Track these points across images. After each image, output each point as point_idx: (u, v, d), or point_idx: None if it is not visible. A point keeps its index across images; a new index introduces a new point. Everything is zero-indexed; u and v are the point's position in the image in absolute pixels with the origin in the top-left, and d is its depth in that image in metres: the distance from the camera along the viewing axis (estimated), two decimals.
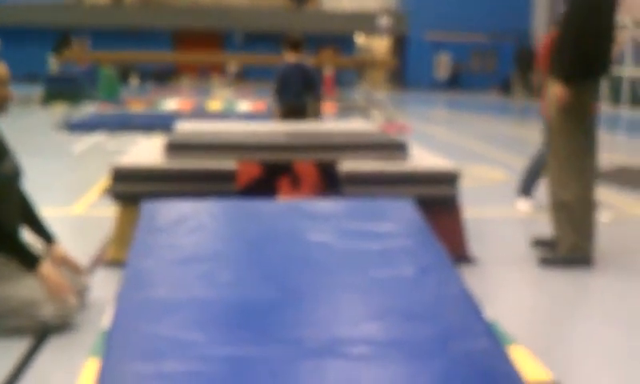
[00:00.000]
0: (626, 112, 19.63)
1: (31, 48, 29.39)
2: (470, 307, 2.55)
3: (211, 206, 3.41)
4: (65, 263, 3.31)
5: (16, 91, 13.49)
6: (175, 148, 4.17)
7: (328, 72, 21.29)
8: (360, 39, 33.20)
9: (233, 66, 29.31)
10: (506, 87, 29.47)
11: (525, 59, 28.66)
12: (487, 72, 32.26)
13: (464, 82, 31.82)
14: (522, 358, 2.88)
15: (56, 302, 3.02)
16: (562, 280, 4.06)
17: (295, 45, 6.50)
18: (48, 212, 5.19)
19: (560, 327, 3.36)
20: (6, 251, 2.99)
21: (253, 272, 2.74)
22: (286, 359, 2.20)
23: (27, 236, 3.28)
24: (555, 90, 4.20)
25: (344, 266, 2.81)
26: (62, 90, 16.48)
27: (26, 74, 28.17)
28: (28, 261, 3.01)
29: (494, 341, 2.36)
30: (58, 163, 8.41)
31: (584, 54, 4.10)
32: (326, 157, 4.33)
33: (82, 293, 3.35)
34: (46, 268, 3.03)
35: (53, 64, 19.09)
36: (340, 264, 2.83)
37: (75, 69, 17.52)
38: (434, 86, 31.66)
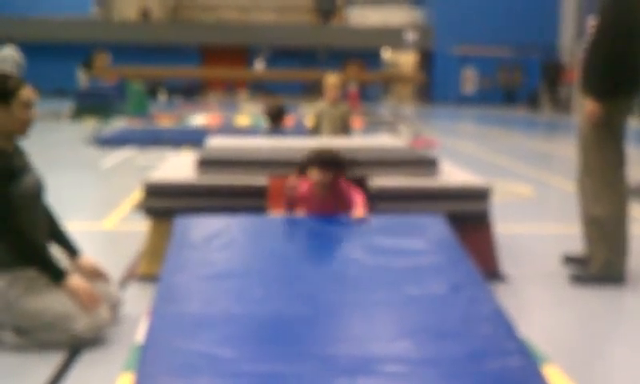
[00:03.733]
0: None
1: (59, 63, 29.84)
2: (502, 325, 2.54)
3: (243, 221, 3.45)
4: (94, 273, 3.34)
5: (46, 106, 13.64)
6: (207, 164, 4.21)
7: (353, 87, 21.34)
8: (386, 54, 33.25)
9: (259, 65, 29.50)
10: (533, 101, 29.34)
11: (552, 73, 28.64)
12: (514, 86, 32.12)
13: (493, 96, 31.64)
14: (555, 377, 2.85)
15: (89, 314, 3.05)
16: (595, 298, 4.02)
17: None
18: (79, 226, 5.27)
19: (593, 346, 3.33)
20: (33, 266, 3.04)
21: (285, 288, 2.75)
22: (318, 376, 2.21)
23: (54, 250, 3.31)
24: (587, 107, 4.17)
25: (375, 282, 2.81)
26: (92, 105, 16.69)
27: (54, 89, 28.62)
28: (55, 275, 3.05)
29: (527, 359, 2.35)
30: (89, 178, 8.52)
31: (616, 71, 4.08)
32: (356, 172, 4.34)
33: (114, 307, 3.38)
34: (75, 281, 3.06)
35: (82, 79, 19.34)
36: (372, 281, 2.83)
37: (104, 84, 17.73)
38: (461, 100, 31.57)
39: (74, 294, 3.04)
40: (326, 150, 3.67)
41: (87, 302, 3.05)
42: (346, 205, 3.65)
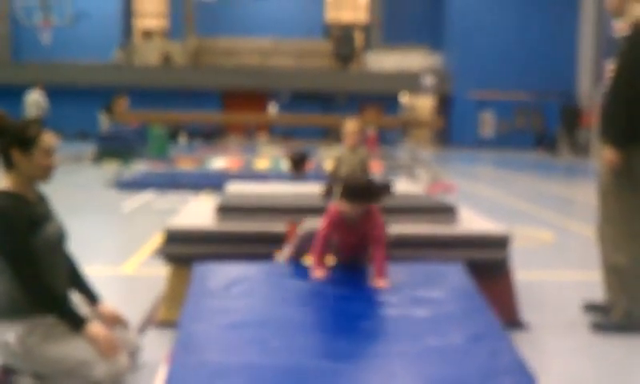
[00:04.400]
0: None
1: (82, 107, 30.30)
2: (523, 377, 2.51)
3: (262, 269, 3.45)
4: (114, 320, 3.35)
5: (68, 149, 13.73)
6: (226, 210, 4.24)
7: (371, 131, 21.46)
8: (404, 98, 33.42)
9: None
10: (551, 146, 29.28)
11: (570, 117, 28.62)
12: (532, 130, 32.09)
13: (508, 140, 31.62)
14: None
15: (108, 361, 3.05)
16: (616, 347, 3.96)
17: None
18: (99, 270, 5.31)
19: None
20: (54, 314, 3.04)
21: (304, 338, 2.74)
22: None
23: (74, 297, 3.33)
24: (606, 154, 4.17)
25: (395, 333, 2.80)
26: (114, 148, 16.92)
27: (77, 132, 29.02)
28: (75, 323, 3.05)
29: None
30: (109, 221, 8.58)
31: (634, 116, 4.07)
32: None
33: (133, 353, 3.38)
34: (95, 328, 3.07)
35: (104, 123, 19.64)
36: (391, 331, 2.82)
37: (126, 128, 17.98)
38: (479, 144, 31.58)
39: (93, 342, 3.04)
40: (356, 182, 3.36)
41: (107, 350, 3.05)
42: (374, 233, 3.43)
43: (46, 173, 3.13)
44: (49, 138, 3.11)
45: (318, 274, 3.34)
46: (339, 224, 3.39)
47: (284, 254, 3.76)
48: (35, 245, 3.03)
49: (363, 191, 3.31)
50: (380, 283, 3.30)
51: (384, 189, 3.36)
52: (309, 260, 3.55)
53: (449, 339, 2.73)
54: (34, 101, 16.99)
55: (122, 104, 19.12)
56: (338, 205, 3.35)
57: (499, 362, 2.60)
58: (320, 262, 3.39)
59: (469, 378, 2.46)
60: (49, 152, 3.10)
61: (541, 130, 31.59)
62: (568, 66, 31.00)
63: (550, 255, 6.77)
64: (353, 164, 6.78)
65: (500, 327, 2.89)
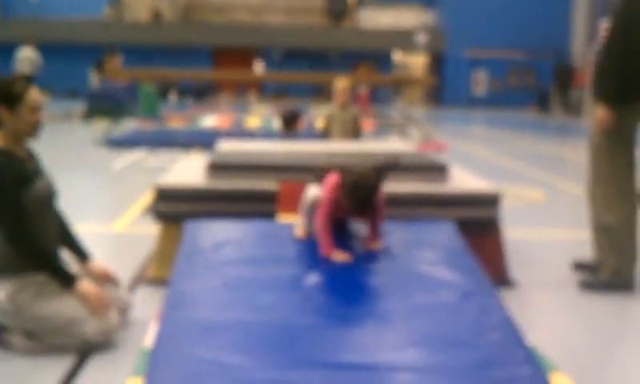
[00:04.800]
0: None
1: (71, 64, 29.97)
2: (511, 333, 2.53)
3: (253, 227, 3.45)
4: (104, 277, 3.36)
5: (58, 107, 13.66)
6: (217, 168, 4.22)
7: (363, 89, 21.36)
8: (397, 56, 33.21)
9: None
10: (543, 104, 29.26)
11: (563, 77, 28.56)
12: (525, 89, 32.02)
13: (501, 99, 31.57)
14: None
15: (98, 318, 3.07)
16: (604, 305, 4.00)
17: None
18: (89, 228, 5.30)
19: (602, 354, 3.31)
20: (44, 271, 3.05)
21: (295, 295, 2.75)
22: (326, 383, 2.21)
23: (64, 255, 3.33)
24: (598, 113, 4.16)
25: (385, 291, 2.81)
26: (104, 106, 16.78)
27: (66, 90, 28.76)
28: (65, 280, 3.07)
29: (535, 368, 2.34)
30: (99, 179, 8.55)
31: (627, 77, 4.06)
32: None
33: (123, 310, 3.39)
34: (85, 285, 3.08)
35: (94, 80, 19.46)
36: (381, 289, 2.83)
37: (116, 85, 17.80)
38: (471, 103, 31.52)
39: (83, 299, 3.05)
40: (363, 191, 3.03)
41: (97, 307, 3.06)
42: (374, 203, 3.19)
43: (33, 129, 3.13)
44: (35, 95, 3.10)
45: (339, 257, 3.10)
46: (337, 206, 3.18)
47: (300, 228, 3.46)
48: (25, 201, 3.03)
49: (370, 197, 3.08)
50: (373, 245, 3.28)
51: (391, 167, 3.17)
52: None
53: (438, 297, 2.75)
54: (27, 57, 16.87)
55: (116, 61, 18.92)
56: (336, 192, 3.14)
57: (488, 318, 2.62)
58: (331, 245, 3.15)
59: (458, 334, 2.49)
60: (35, 108, 3.10)
61: (535, 88, 31.53)
62: (562, 25, 30.83)
63: (540, 214, 6.80)
64: (344, 122, 6.77)
65: (489, 285, 2.90)
